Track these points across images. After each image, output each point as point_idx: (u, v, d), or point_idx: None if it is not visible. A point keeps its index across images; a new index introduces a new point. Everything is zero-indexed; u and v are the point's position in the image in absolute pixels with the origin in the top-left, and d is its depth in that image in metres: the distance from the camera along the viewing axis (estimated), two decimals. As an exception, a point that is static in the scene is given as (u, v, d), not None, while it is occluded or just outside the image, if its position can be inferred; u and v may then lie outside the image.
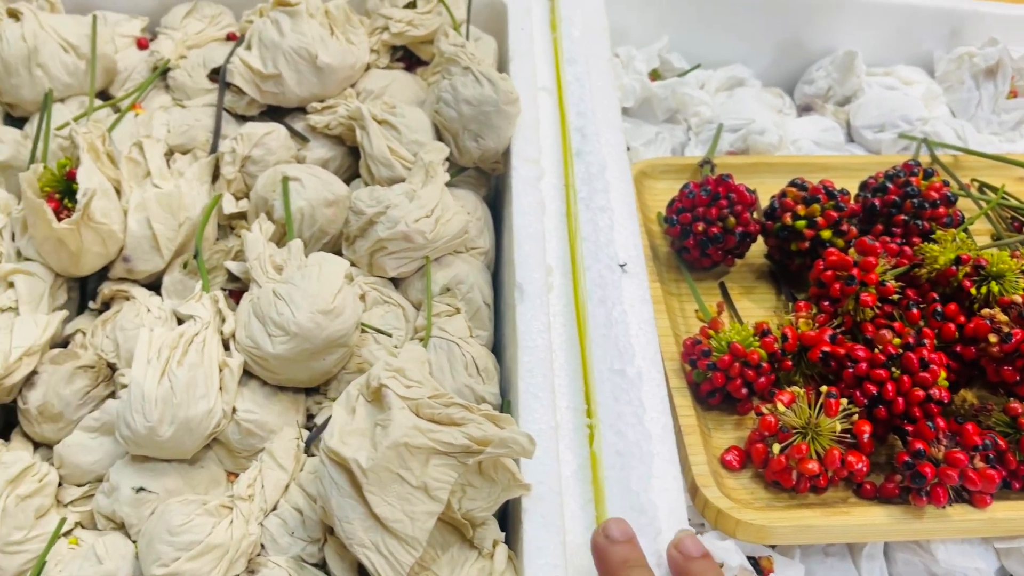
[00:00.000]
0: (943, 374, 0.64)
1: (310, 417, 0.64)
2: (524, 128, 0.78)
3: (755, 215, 0.76)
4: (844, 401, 0.63)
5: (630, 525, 0.53)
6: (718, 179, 0.76)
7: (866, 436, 0.62)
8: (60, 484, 0.60)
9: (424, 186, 0.70)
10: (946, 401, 0.64)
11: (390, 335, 0.66)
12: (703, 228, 0.75)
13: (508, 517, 0.59)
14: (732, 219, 0.75)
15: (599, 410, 0.61)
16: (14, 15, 0.78)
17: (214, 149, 0.76)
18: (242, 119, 0.80)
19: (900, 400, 0.63)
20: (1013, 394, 0.66)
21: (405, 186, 0.70)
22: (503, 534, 0.56)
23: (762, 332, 0.68)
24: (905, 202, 0.76)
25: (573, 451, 0.60)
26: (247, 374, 0.62)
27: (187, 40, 0.85)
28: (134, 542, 0.56)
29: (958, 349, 0.67)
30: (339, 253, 0.71)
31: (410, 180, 0.72)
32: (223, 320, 0.62)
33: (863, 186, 0.80)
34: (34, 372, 0.62)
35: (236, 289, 0.68)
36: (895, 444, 0.67)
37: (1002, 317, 0.65)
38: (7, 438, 0.62)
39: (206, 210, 0.70)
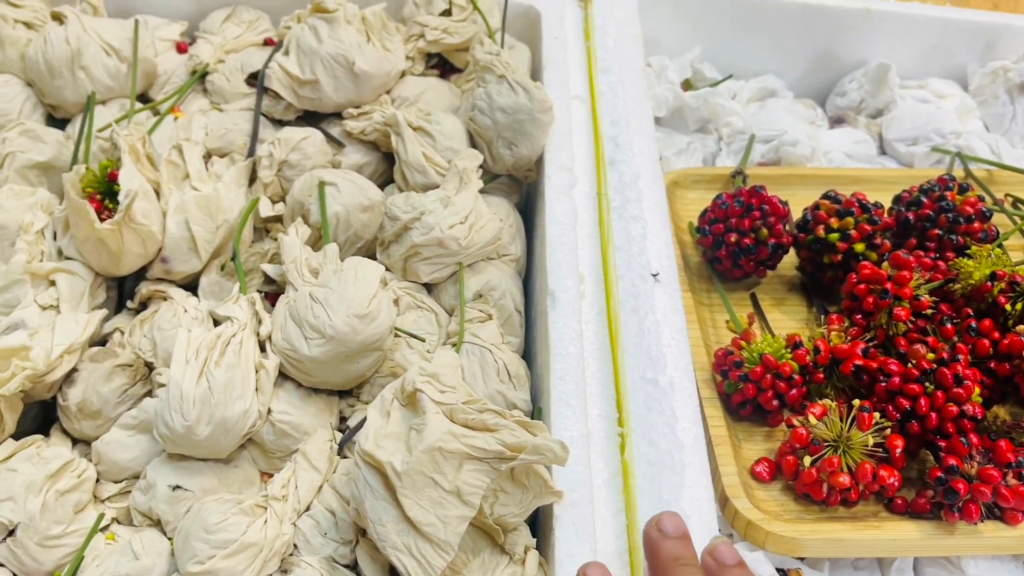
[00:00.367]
0: (977, 390, 0.64)
1: (343, 419, 0.65)
2: (557, 136, 0.78)
3: (787, 227, 0.76)
4: (876, 415, 0.63)
5: (684, 520, 0.52)
6: (751, 190, 0.76)
7: (898, 451, 0.62)
8: (97, 480, 0.61)
9: (458, 193, 0.71)
10: (979, 417, 0.63)
11: (423, 340, 0.67)
12: (735, 239, 0.75)
13: (539, 523, 0.59)
14: (765, 231, 0.75)
15: (631, 419, 0.61)
16: (58, 18, 0.80)
17: (251, 153, 0.77)
18: (279, 123, 0.81)
19: (934, 415, 0.63)
20: (1047, 412, 0.66)
21: (440, 192, 0.70)
22: (534, 540, 0.56)
23: (794, 344, 0.68)
24: (939, 216, 0.75)
25: (604, 459, 0.60)
26: (282, 376, 0.63)
27: (225, 45, 0.87)
28: (170, 539, 0.57)
29: (992, 365, 0.67)
30: (373, 257, 0.72)
31: (444, 187, 0.72)
32: (259, 322, 0.63)
33: (897, 199, 0.80)
34: (74, 369, 0.63)
35: (272, 291, 0.69)
36: (926, 459, 0.67)
37: (1037, 334, 0.65)
38: (46, 434, 0.64)
39: (243, 213, 0.71)
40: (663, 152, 0.93)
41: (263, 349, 0.62)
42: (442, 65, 0.89)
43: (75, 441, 0.64)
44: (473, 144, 0.78)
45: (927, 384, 0.64)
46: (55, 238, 0.70)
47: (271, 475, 0.62)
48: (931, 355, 0.65)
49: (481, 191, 0.74)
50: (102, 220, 0.65)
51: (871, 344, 0.68)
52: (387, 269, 0.71)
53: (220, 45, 0.86)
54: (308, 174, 0.73)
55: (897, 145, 0.97)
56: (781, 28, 1.02)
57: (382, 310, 0.62)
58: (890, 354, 0.68)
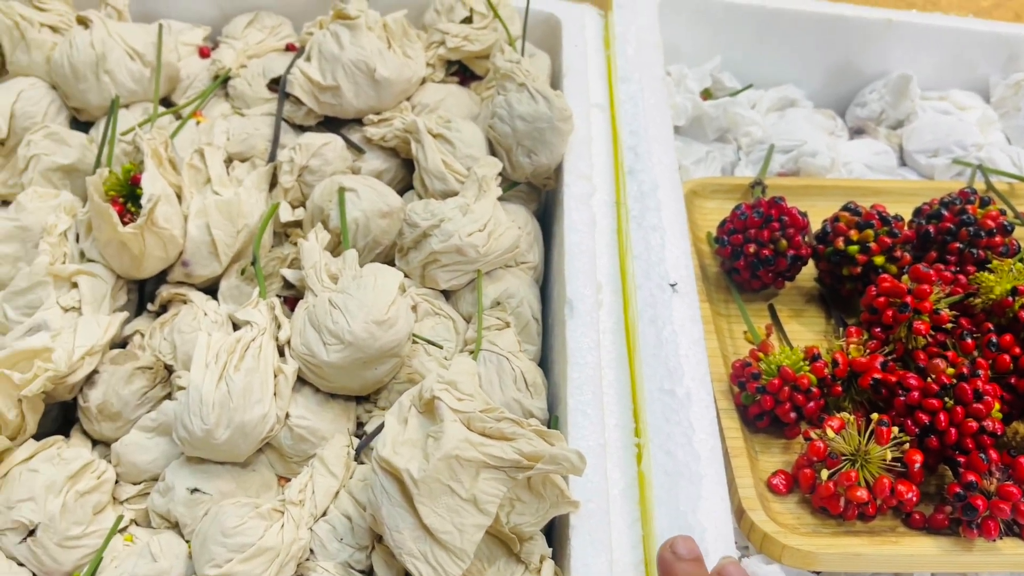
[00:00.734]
0: (997, 406, 0.63)
1: (360, 425, 0.65)
2: (576, 145, 0.79)
3: (807, 239, 0.76)
4: (895, 429, 0.62)
5: (697, 544, 0.53)
6: (771, 201, 0.76)
7: (917, 466, 0.62)
8: (116, 482, 0.61)
9: (477, 200, 0.71)
10: (999, 433, 0.63)
11: (441, 347, 0.67)
12: (754, 250, 0.75)
13: (555, 533, 0.59)
14: (784, 242, 0.74)
15: (648, 430, 0.61)
16: (83, 22, 0.81)
17: (272, 158, 0.78)
18: (299, 129, 0.82)
19: (953, 431, 0.62)
20: (1068, 428, 0.65)
21: (459, 200, 0.71)
22: (550, 550, 0.56)
23: (812, 357, 0.67)
24: (960, 230, 0.75)
25: (621, 470, 0.60)
26: (300, 380, 0.63)
27: (248, 50, 0.87)
28: (187, 542, 0.58)
29: (1012, 381, 0.66)
30: (391, 264, 0.72)
31: (463, 194, 0.72)
32: (279, 327, 0.63)
33: (917, 212, 0.79)
34: (95, 371, 0.64)
35: (291, 296, 0.69)
36: (944, 474, 0.66)
37: (1059, 350, 0.64)
38: (66, 435, 0.64)
39: (264, 218, 0.72)
40: (681, 161, 0.93)
41: (282, 354, 0.63)
42: (462, 72, 0.90)
43: (95, 442, 0.64)
44: (492, 152, 0.78)
45: (947, 399, 0.63)
46: (78, 240, 0.71)
47: (288, 479, 0.62)
48: (951, 370, 0.65)
49: (500, 199, 0.74)
50: (124, 223, 0.66)
51: (890, 358, 0.68)
52: (405, 276, 0.71)
53: (242, 50, 0.87)
54: (328, 180, 0.73)
55: (917, 157, 0.97)
56: (801, 38, 1.02)
57: (401, 317, 0.62)
58: (909, 368, 0.67)
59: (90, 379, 0.63)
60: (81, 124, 0.83)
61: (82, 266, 0.68)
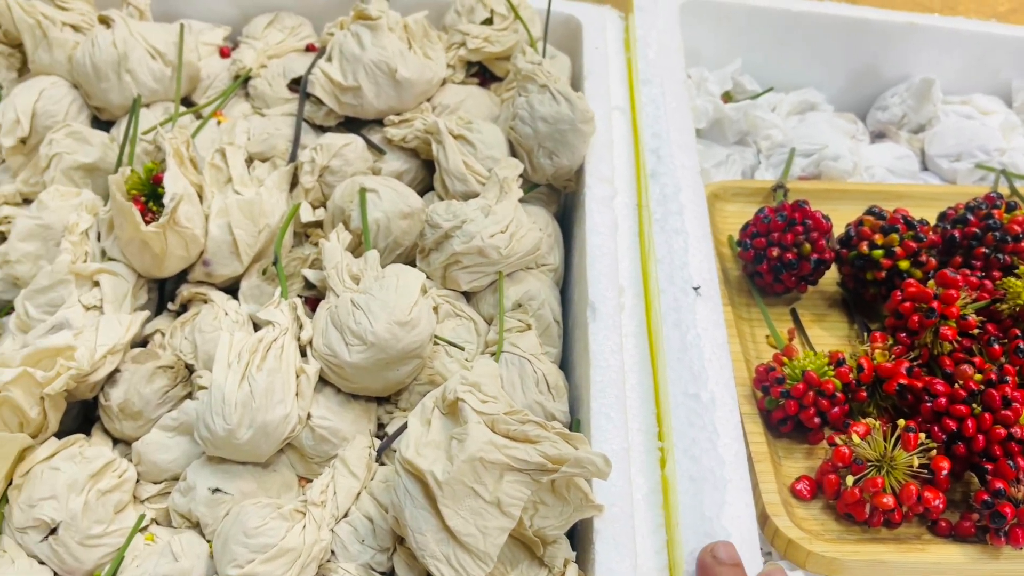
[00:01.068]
0: (1024, 412, 0.63)
1: (381, 426, 0.65)
2: (598, 147, 0.78)
3: (830, 242, 0.76)
4: (922, 436, 0.62)
5: (737, 550, 0.53)
6: (794, 205, 0.75)
7: (944, 472, 0.61)
8: (137, 481, 0.61)
9: (499, 202, 0.71)
10: (1027, 441, 0.62)
11: (463, 348, 0.67)
12: (777, 254, 0.74)
13: (578, 537, 0.59)
14: (807, 246, 0.74)
15: (672, 434, 0.60)
16: (105, 22, 0.81)
17: (293, 158, 0.78)
18: (320, 129, 0.82)
19: (980, 437, 0.62)
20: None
21: (481, 201, 0.70)
22: (574, 554, 0.56)
23: (837, 362, 0.67)
24: (986, 235, 0.74)
25: (644, 474, 0.59)
26: (322, 381, 0.63)
27: (268, 50, 0.87)
28: (208, 541, 0.57)
29: (1039, 387, 0.66)
30: (412, 264, 0.72)
31: (484, 195, 0.72)
32: (300, 327, 0.63)
33: (942, 217, 0.79)
34: (116, 370, 0.63)
35: (312, 296, 0.69)
36: (971, 481, 0.65)
37: (1088, 357, 0.64)
38: (86, 433, 0.64)
39: (285, 218, 0.72)
40: (702, 164, 0.93)
41: (304, 354, 0.62)
42: (482, 73, 0.89)
43: (115, 441, 0.64)
44: (513, 153, 0.78)
45: (974, 405, 0.62)
46: (99, 239, 0.71)
47: (309, 480, 0.62)
48: (978, 376, 0.64)
49: (520, 200, 0.74)
50: (146, 222, 0.66)
51: (915, 363, 0.67)
52: (427, 277, 0.71)
53: (263, 50, 0.87)
54: (349, 180, 0.73)
55: (940, 161, 0.96)
56: (823, 41, 1.02)
57: (423, 318, 0.62)
58: (935, 374, 0.67)
59: (111, 378, 0.63)
60: (102, 123, 0.83)
61: (103, 265, 0.68)
